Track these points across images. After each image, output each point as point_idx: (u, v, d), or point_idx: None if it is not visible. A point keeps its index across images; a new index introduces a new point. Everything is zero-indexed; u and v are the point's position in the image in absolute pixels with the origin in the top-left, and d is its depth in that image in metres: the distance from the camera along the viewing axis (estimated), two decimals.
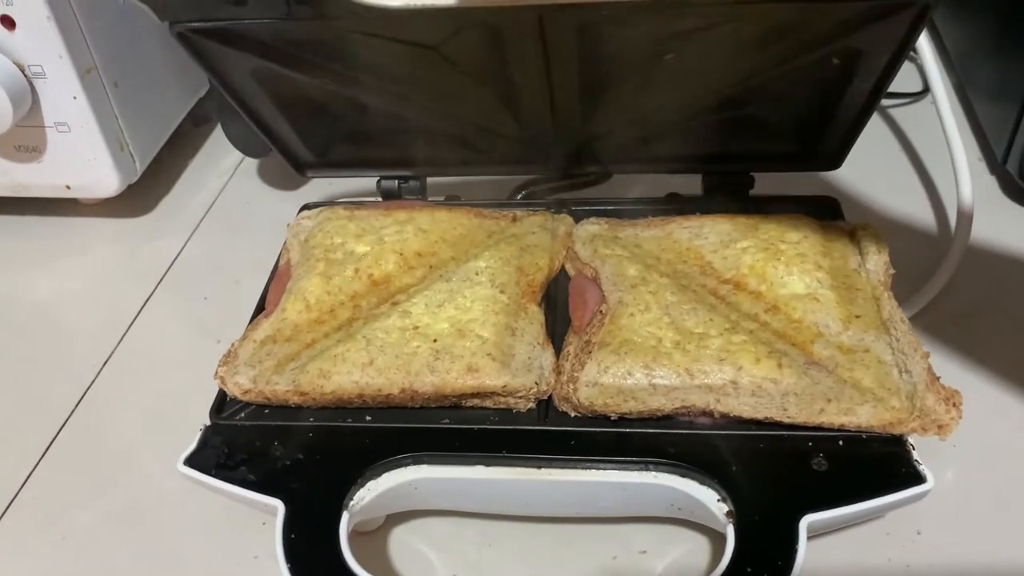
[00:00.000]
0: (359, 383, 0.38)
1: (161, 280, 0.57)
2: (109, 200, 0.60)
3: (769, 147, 0.48)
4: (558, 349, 0.40)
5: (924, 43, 0.50)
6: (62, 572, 0.40)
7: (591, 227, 0.47)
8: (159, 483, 0.43)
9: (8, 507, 0.43)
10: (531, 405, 0.38)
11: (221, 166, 0.66)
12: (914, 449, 0.35)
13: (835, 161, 0.47)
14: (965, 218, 0.49)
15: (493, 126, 0.48)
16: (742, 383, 0.36)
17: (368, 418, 0.39)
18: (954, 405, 0.35)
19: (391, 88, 0.46)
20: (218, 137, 0.68)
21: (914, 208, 0.56)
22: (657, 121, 0.47)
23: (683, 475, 0.35)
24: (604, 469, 0.36)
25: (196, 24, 0.40)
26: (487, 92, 0.45)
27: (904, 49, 0.39)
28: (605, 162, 0.52)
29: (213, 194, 0.64)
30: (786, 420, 0.36)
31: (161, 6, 0.39)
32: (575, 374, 0.38)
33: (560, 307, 0.43)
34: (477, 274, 0.43)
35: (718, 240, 0.43)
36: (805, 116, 0.46)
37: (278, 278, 0.45)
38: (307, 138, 0.50)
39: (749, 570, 0.32)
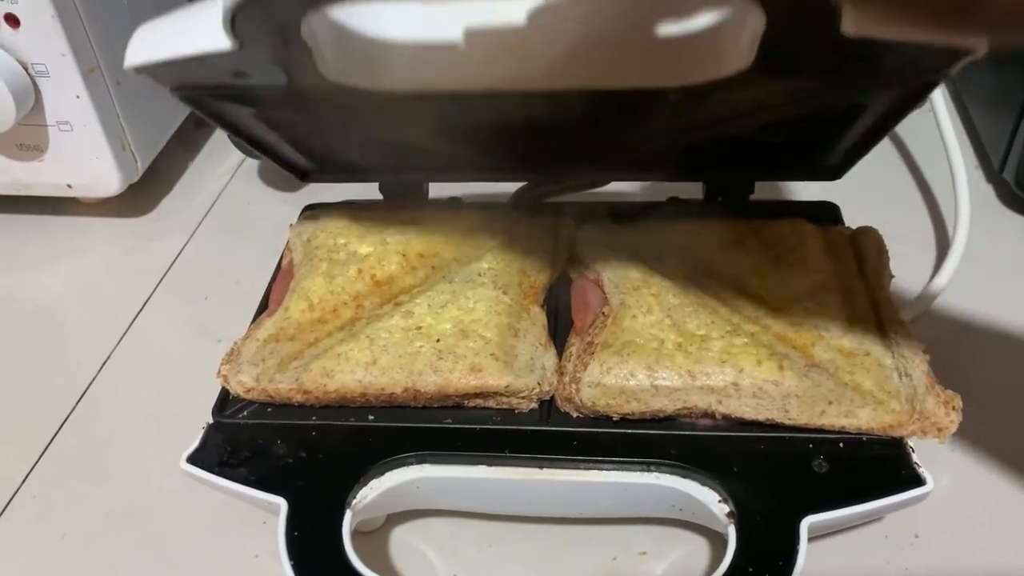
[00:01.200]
0: (362, 382, 0.38)
1: (161, 280, 0.57)
2: (110, 199, 0.60)
3: (773, 162, 0.49)
4: (560, 351, 0.41)
5: None
6: (62, 570, 0.40)
7: (593, 230, 0.47)
8: (159, 482, 0.43)
9: (7, 505, 0.43)
10: (533, 405, 0.39)
11: (222, 167, 0.67)
12: (913, 452, 0.35)
13: (837, 174, 0.48)
14: (962, 226, 0.49)
15: (497, 136, 0.48)
16: (743, 385, 0.37)
17: (371, 417, 0.39)
18: (953, 408, 0.36)
19: (395, 114, 0.45)
20: (219, 138, 0.68)
21: (912, 216, 0.56)
22: (662, 139, 0.47)
23: (684, 476, 0.35)
24: (606, 469, 0.36)
25: (199, 90, 0.39)
26: (492, 105, 0.45)
27: (917, 102, 0.38)
28: (607, 171, 0.52)
29: (214, 194, 0.64)
30: (787, 422, 0.36)
31: (163, 77, 0.39)
32: (577, 375, 0.38)
33: (562, 309, 0.44)
34: (480, 275, 0.43)
35: (719, 244, 0.44)
36: (812, 140, 0.46)
37: (281, 278, 0.45)
38: (309, 155, 0.50)
39: (750, 570, 0.32)
